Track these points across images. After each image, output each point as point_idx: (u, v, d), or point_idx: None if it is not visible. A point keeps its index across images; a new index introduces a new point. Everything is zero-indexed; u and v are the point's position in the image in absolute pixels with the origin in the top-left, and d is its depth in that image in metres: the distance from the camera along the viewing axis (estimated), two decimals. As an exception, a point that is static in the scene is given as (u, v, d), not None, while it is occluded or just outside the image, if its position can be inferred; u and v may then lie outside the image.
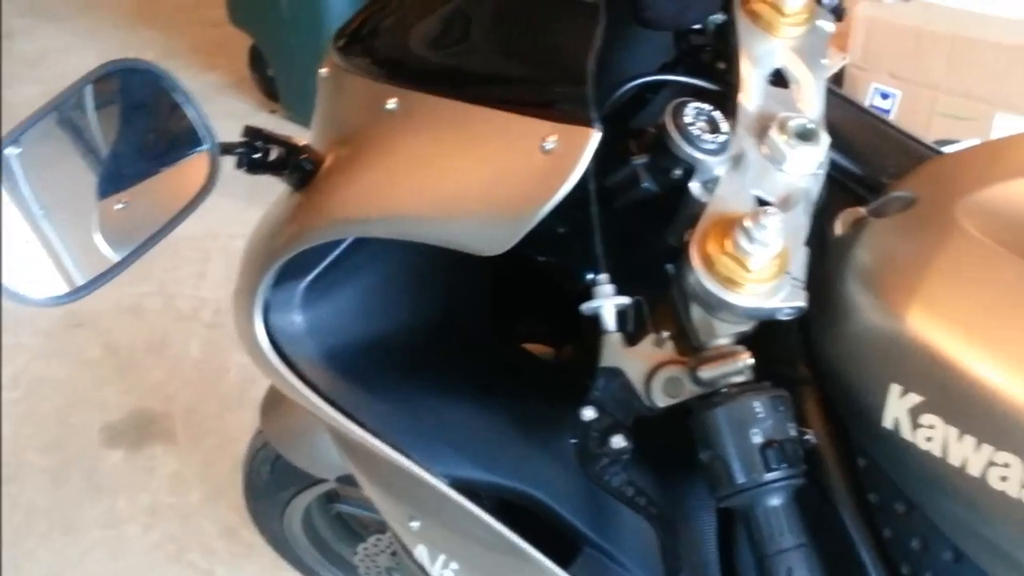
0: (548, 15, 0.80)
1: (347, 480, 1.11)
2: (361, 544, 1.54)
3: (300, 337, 0.92)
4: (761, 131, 0.76)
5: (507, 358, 1.07)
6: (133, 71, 0.80)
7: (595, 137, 0.68)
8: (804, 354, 0.80)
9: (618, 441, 0.73)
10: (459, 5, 0.87)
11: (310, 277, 0.93)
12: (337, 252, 0.93)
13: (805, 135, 0.75)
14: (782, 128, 0.75)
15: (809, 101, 0.80)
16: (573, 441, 0.74)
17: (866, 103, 2.71)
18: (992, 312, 0.68)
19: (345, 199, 0.81)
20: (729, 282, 0.68)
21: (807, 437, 0.76)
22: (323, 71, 0.91)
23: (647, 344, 0.73)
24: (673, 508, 0.90)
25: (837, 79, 2.78)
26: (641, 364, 0.73)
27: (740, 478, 0.70)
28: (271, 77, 3.37)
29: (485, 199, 0.72)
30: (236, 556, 2.00)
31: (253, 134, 0.81)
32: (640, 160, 0.75)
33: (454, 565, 0.96)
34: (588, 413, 0.73)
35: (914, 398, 0.68)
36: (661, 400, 0.73)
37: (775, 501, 0.70)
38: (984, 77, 2.57)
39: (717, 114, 0.74)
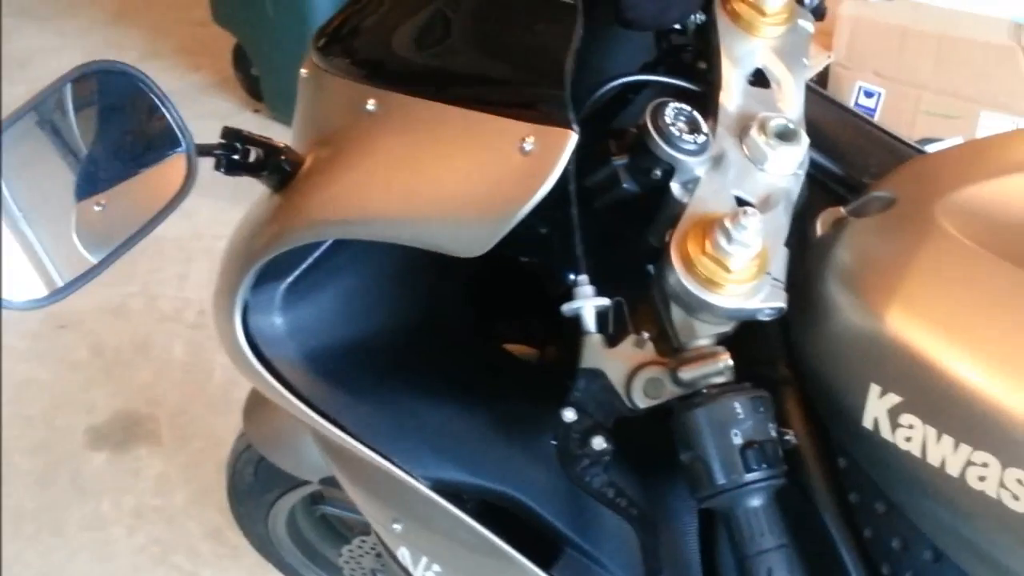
0: (526, 16, 0.80)
1: (331, 482, 1.11)
2: (346, 546, 1.54)
3: (280, 339, 0.92)
4: (741, 131, 0.76)
5: (489, 359, 1.07)
6: (109, 72, 0.80)
7: (573, 138, 0.68)
8: (785, 354, 0.80)
9: (599, 442, 0.73)
10: (438, 6, 0.87)
11: (290, 279, 0.92)
12: (317, 254, 0.93)
13: (785, 135, 0.76)
14: (762, 128, 0.75)
15: (790, 101, 0.81)
16: (554, 442, 0.74)
17: (851, 102, 2.73)
18: (971, 312, 0.68)
19: (324, 201, 0.80)
20: (709, 283, 0.68)
21: (787, 437, 0.76)
22: (303, 72, 0.91)
23: (628, 345, 0.73)
24: (654, 509, 0.90)
25: (822, 78, 2.79)
26: (622, 365, 0.73)
27: (720, 479, 0.70)
28: (255, 76, 3.36)
29: (464, 200, 0.72)
30: (221, 558, 2.00)
31: (231, 135, 0.80)
32: (620, 160, 0.75)
33: (436, 567, 0.96)
34: (569, 414, 0.73)
35: (893, 398, 0.68)
36: (642, 401, 0.72)
37: (755, 502, 0.70)
38: (970, 76, 2.59)
39: (697, 114, 0.74)
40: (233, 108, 3.42)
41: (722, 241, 0.67)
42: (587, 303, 0.73)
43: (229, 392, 2.28)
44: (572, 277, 0.75)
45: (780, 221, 0.74)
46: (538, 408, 0.84)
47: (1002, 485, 0.63)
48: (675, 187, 0.73)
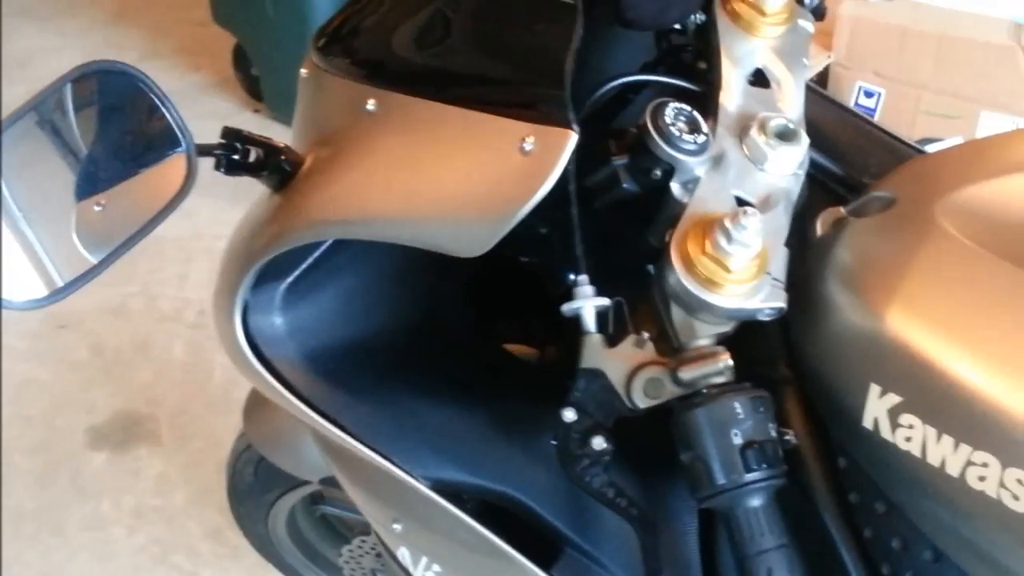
0: (526, 16, 0.80)
1: (331, 482, 1.11)
2: (346, 546, 1.54)
3: (280, 339, 0.92)
4: (741, 131, 0.76)
5: (489, 359, 1.07)
6: (109, 72, 0.80)
7: (573, 138, 0.68)
8: (785, 354, 0.80)
9: (599, 442, 0.73)
10: (438, 6, 0.87)
11: (290, 279, 0.92)
12: (317, 254, 0.93)
13: (785, 135, 0.76)
14: (762, 128, 0.75)
15: (790, 101, 0.81)
16: (554, 443, 0.74)
17: (851, 102, 2.73)
18: (971, 312, 0.68)
19: (324, 201, 0.80)
20: (709, 283, 0.68)
21: (787, 437, 0.76)
22: (303, 72, 0.91)
23: (628, 345, 0.73)
24: (654, 509, 0.90)
25: (822, 78, 2.79)
26: (622, 365, 0.73)
27: (720, 479, 0.70)
28: (255, 76, 3.36)
29: (464, 200, 0.72)
30: (221, 558, 2.00)
31: (231, 135, 0.80)
32: (620, 161, 0.75)
33: (436, 567, 0.96)
34: (569, 415, 0.73)
35: (893, 398, 0.68)
36: (642, 401, 0.72)
37: (756, 502, 0.70)
38: (970, 76, 2.59)
39: (697, 114, 0.74)
40: (233, 108, 3.42)
41: (722, 241, 0.67)
42: (587, 303, 0.73)
43: (229, 392, 2.28)
44: (572, 277, 0.75)
45: (780, 221, 0.74)
46: (538, 408, 0.84)
47: (1002, 485, 0.63)
48: (675, 187, 0.73)
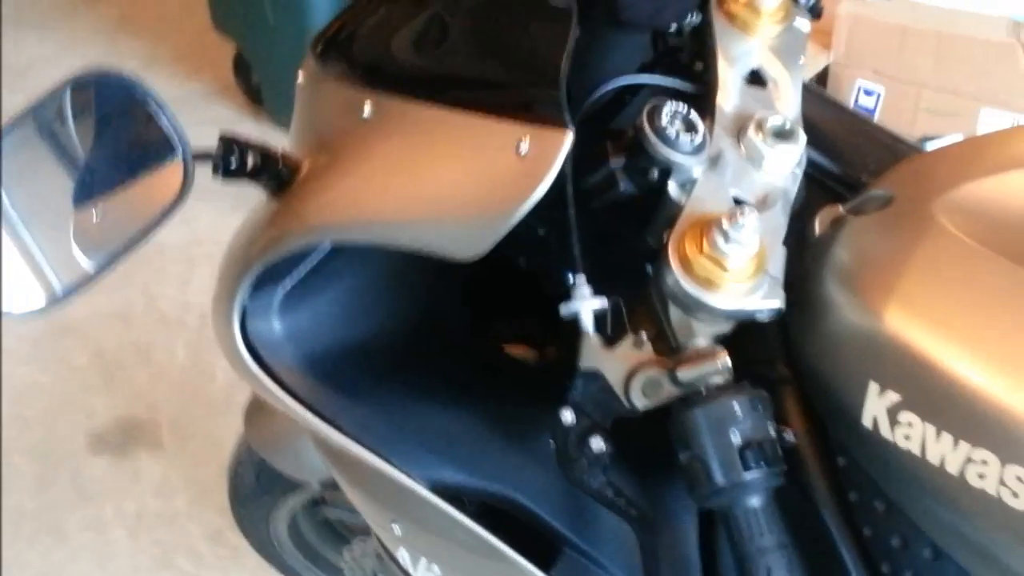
0: (521, 19, 0.80)
1: (331, 484, 1.11)
2: (347, 548, 1.54)
3: (279, 343, 0.92)
4: (739, 131, 0.76)
5: (487, 360, 1.07)
6: (107, 79, 0.80)
7: (568, 139, 0.68)
8: (783, 354, 0.80)
9: (597, 443, 0.73)
10: (434, 11, 0.87)
11: (288, 283, 0.92)
12: (315, 258, 0.93)
13: (782, 134, 0.76)
14: (759, 127, 0.75)
15: (786, 100, 0.81)
16: (552, 443, 0.74)
17: (851, 101, 2.73)
18: (969, 310, 0.68)
19: (322, 205, 0.80)
20: (707, 283, 0.68)
21: (786, 436, 0.76)
22: (301, 77, 0.91)
23: (626, 345, 0.73)
24: (653, 509, 0.90)
25: (821, 77, 2.79)
26: (620, 365, 0.73)
27: (719, 478, 0.70)
28: (256, 84, 3.36)
29: (461, 203, 0.72)
30: (222, 559, 2.00)
31: (228, 141, 0.80)
32: (617, 162, 0.75)
33: (436, 568, 0.96)
34: (567, 415, 0.73)
35: (892, 396, 0.68)
36: (640, 401, 0.72)
37: (755, 501, 0.70)
38: (970, 73, 2.59)
39: (694, 115, 0.74)
40: (234, 115, 3.42)
41: (720, 241, 0.67)
42: (585, 304, 0.73)
43: (230, 396, 2.28)
44: (570, 278, 0.75)
45: (778, 220, 0.74)
46: (536, 409, 0.84)
47: (1001, 483, 0.63)
48: (672, 187, 0.73)
